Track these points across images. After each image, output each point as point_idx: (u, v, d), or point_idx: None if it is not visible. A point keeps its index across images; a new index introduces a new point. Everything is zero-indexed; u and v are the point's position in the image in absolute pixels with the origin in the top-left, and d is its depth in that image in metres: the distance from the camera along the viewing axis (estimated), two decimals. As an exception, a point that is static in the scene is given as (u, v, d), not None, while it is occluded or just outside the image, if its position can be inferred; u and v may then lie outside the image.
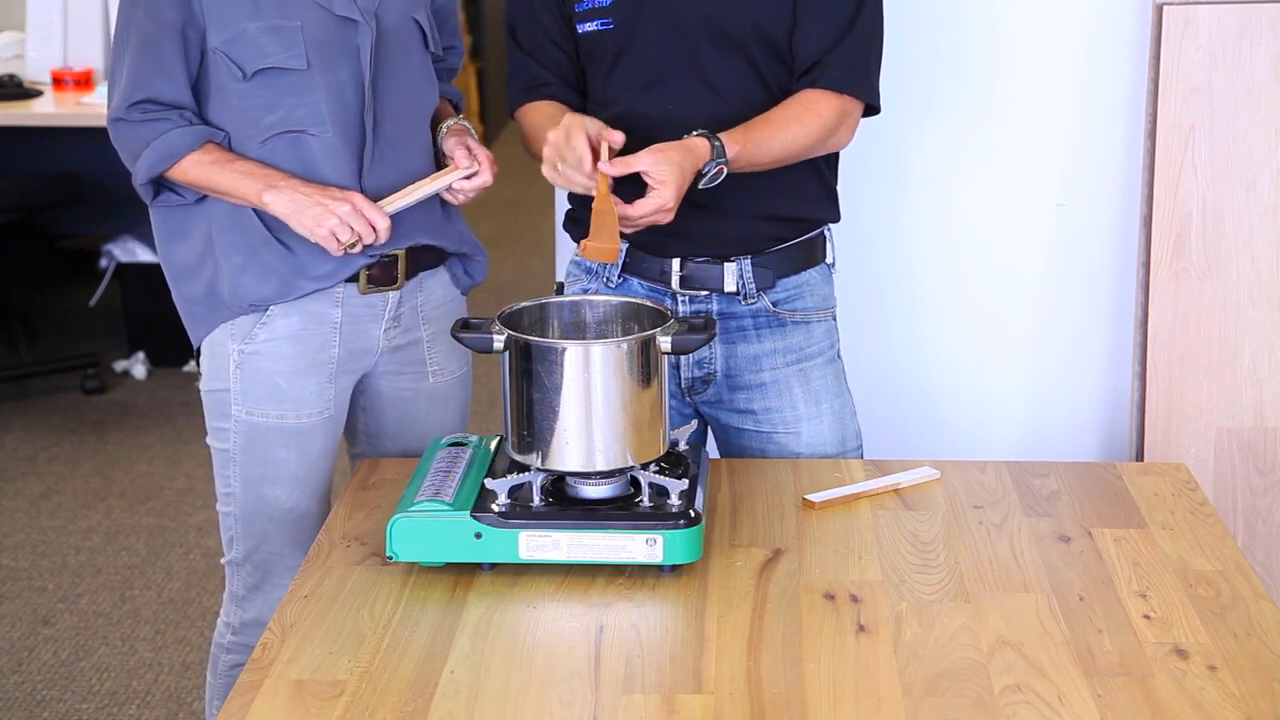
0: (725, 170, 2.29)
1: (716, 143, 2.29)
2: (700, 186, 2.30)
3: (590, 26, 2.43)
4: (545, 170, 2.28)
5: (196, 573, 3.98)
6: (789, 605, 1.99)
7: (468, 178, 2.44)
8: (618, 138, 2.26)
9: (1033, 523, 2.22)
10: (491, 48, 9.23)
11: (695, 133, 2.29)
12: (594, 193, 2.24)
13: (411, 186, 2.42)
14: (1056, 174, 2.98)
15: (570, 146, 2.24)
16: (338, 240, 2.32)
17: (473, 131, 2.52)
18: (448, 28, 2.59)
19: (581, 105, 2.49)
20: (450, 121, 2.53)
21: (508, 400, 2.13)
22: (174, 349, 5.21)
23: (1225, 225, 2.87)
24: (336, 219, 2.31)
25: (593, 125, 2.27)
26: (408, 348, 2.53)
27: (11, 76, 5.31)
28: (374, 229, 2.34)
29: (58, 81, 5.30)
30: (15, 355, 5.43)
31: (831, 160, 2.53)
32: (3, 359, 5.44)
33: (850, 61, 2.40)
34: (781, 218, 2.47)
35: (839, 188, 2.56)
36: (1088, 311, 3.02)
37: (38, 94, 5.22)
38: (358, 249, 2.35)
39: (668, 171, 2.23)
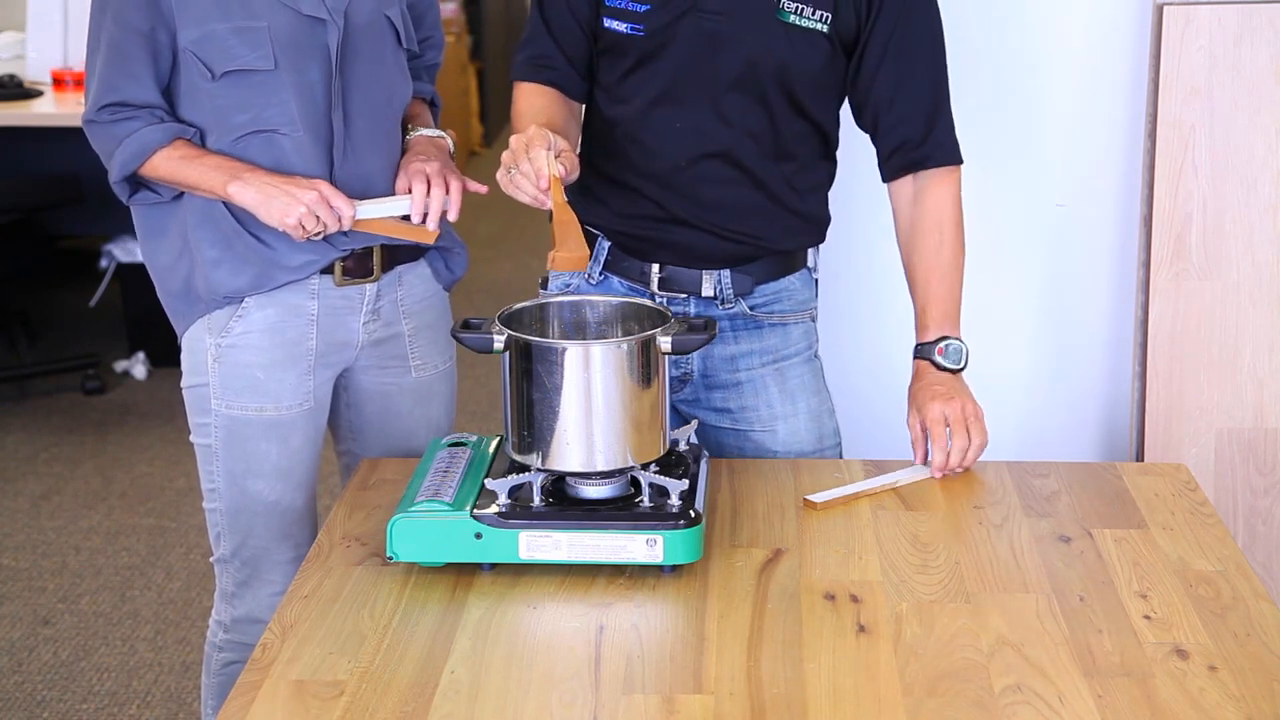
0: (962, 346, 2.44)
1: (949, 346, 2.43)
2: (950, 368, 2.44)
3: (619, 26, 2.39)
4: (499, 175, 2.23)
5: (196, 573, 3.98)
6: (789, 605, 1.99)
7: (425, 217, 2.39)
8: (571, 168, 2.23)
9: (1033, 523, 2.22)
10: (491, 48, 9.22)
11: (919, 356, 2.44)
12: (544, 206, 2.20)
13: (387, 200, 2.39)
14: (1056, 174, 2.97)
15: (529, 157, 2.20)
16: (304, 229, 2.33)
17: (446, 143, 2.48)
18: (426, 21, 2.58)
19: (585, 92, 2.48)
20: (416, 133, 2.50)
21: (508, 400, 2.13)
22: (174, 349, 5.16)
23: (1225, 225, 2.87)
24: (304, 207, 2.31)
25: (559, 142, 2.23)
26: (389, 342, 2.53)
27: (11, 76, 5.31)
28: (339, 218, 2.33)
29: (58, 81, 5.30)
30: (15, 355, 5.43)
31: (808, 193, 2.49)
32: (3, 359, 5.44)
33: (949, 128, 2.45)
34: (757, 244, 2.46)
35: (838, 192, 2.56)
36: (1088, 311, 3.02)
37: (38, 94, 5.22)
38: (320, 237, 2.36)
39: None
